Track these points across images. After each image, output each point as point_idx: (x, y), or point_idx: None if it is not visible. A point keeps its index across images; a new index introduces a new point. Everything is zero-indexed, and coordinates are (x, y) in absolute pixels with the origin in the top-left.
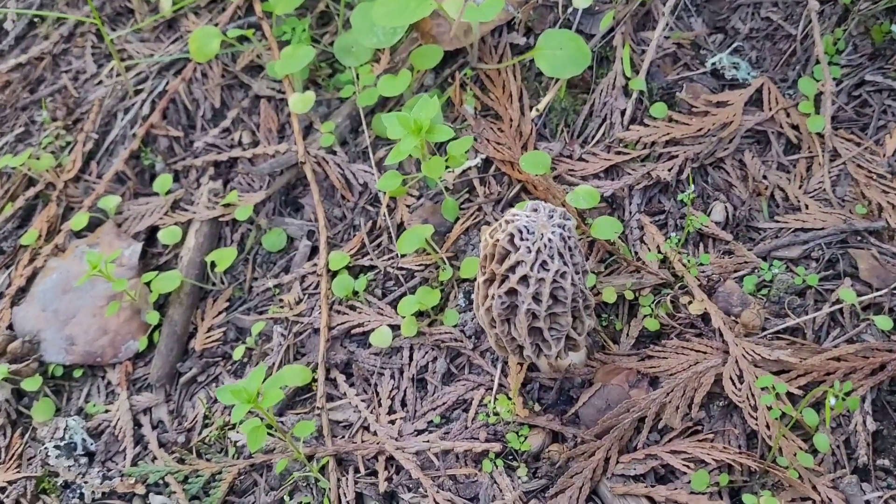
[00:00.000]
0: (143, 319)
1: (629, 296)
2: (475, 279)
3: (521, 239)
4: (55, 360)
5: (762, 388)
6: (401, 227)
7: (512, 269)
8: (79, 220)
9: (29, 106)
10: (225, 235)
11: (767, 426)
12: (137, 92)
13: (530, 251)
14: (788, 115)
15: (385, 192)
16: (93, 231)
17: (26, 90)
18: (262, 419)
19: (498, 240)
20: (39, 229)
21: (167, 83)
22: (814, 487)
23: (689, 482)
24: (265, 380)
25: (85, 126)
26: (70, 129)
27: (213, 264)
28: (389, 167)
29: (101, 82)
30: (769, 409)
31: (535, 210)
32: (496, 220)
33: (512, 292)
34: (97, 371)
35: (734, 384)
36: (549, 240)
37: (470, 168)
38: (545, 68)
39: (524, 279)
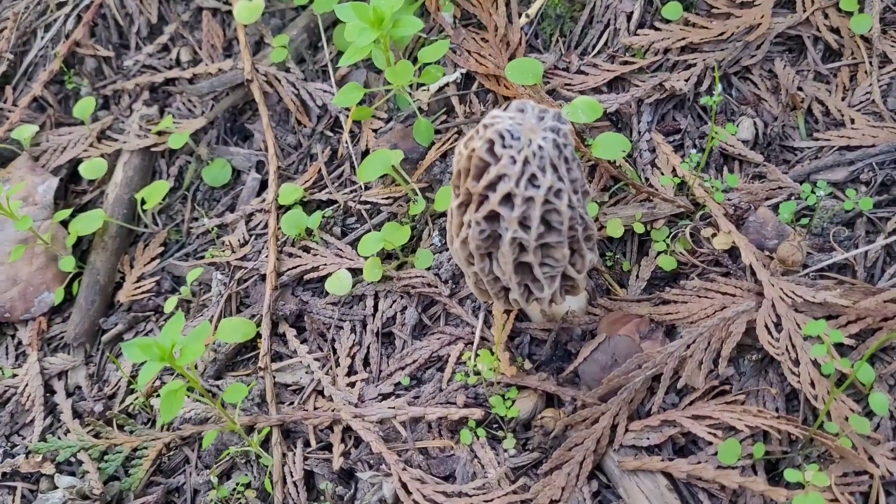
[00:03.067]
0: (60, 267)
1: (639, 229)
2: None
3: (504, 146)
4: None
5: (808, 338)
6: (366, 156)
7: (492, 185)
8: None
9: None
10: (160, 169)
11: (812, 384)
12: (60, 5)
13: (515, 162)
14: (826, 17)
15: (348, 115)
16: (5, 166)
17: None
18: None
19: (474, 149)
20: None
21: None
22: (870, 458)
23: (716, 454)
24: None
25: None
26: None
27: (143, 202)
28: (347, 79)
29: None
30: (816, 363)
31: (522, 111)
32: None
33: (493, 217)
34: (5, 329)
35: (770, 333)
36: (539, 147)
37: (448, 85)
38: None
39: (507, 198)
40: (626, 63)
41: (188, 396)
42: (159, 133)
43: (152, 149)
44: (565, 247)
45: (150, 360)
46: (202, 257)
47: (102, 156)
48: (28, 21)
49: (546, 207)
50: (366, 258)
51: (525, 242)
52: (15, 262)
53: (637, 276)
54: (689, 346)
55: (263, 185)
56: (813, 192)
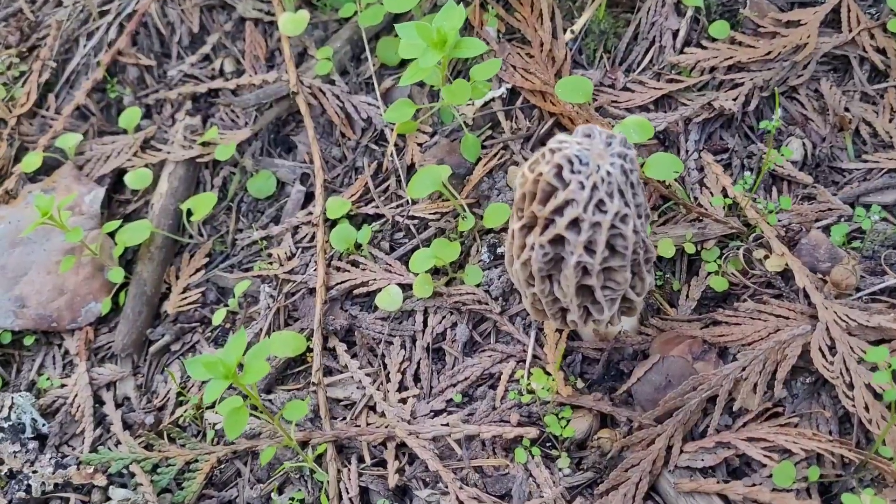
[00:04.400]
0: (107, 277)
1: (689, 249)
2: (501, 229)
3: (572, 172)
4: (2, 324)
5: (862, 361)
6: (411, 170)
7: (559, 210)
8: (31, 160)
9: None
10: (204, 179)
11: (866, 407)
12: (102, 13)
13: (584, 187)
14: (873, 37)
15: (393, 128)
16: (49, 174)
17: None
18: (244, 398)
19: (542, 174)
20: None
21: (136, 3)
22: None
23: (771, 476)
24: (248, 349)
25: (42, 53)
26: (25, 58)
27: (188, 213)
28: (399, 94)
29: (60, 3)
30: (870, 387)
31: (589, 136)
32: (525, 159)
33: (558, 241)
34: (52, 338)
35: (824, 356)
36: (608, 173)
37: (493, 100)
38: None
39: (575, 223)
40: (672, 81)
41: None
42: (204, 144)
43: (197, 160)
44: (628, 270)
45: (214, 378)
46: (247, 269)
47: (147, 165)
48: (70, 29)
49: (612, 232)
50: (416, 274)
51: (589, 266)
52: (63, 272)
53: (687, 296)
54: (744, 369)
55: (308, 198)
56: (867, 215)
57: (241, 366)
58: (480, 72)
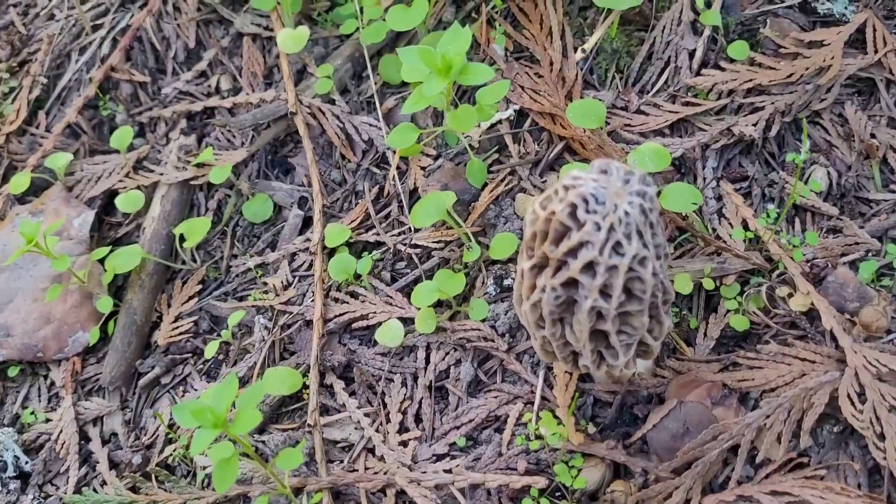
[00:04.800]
0: (97, 307)
1: (708, 285)
2: (508, 260)
3: (588, 211)
4: None
5: (893, 410)
6: (414, 195)
7: (573, 252)
8: (19, 181)
9: None
10: (198, 202)
11: None
12: (96, 28)
13: (599, 228)
14: None
15: (395, 151)
16: (38, 195)
17: None
18: (234, 443)
19: (554, 212)
20: None
21: (131, 17)
22: None
23: None
24: (243, 386)
25: (32, 69)
26: (14, 73)
27: (181, 238)
28: (402, 119)
29: (52, 16)
30: None
31: (605, 172)
32: (533, 186)
33: (571, 283)
34: (38, 369)
35: (853, 404)
36: (626, 213)
37: (500, 122)
38: None
39: (590, 266)
40: (689, 104)
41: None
42: (198, 165)
43: (191, 182)
44: (645, 315)
45: (203, 427)
46: (242, 297)
47: (139, 187)
48: (62, 44)
49: (629, 275)
50: (418, 308)
51: (604, 311)
52: (49, 300)
53: (705, 335)
54: (767, 417)
55: (306, 222)
56: None
57: (230, 413)
58: (487, 95)
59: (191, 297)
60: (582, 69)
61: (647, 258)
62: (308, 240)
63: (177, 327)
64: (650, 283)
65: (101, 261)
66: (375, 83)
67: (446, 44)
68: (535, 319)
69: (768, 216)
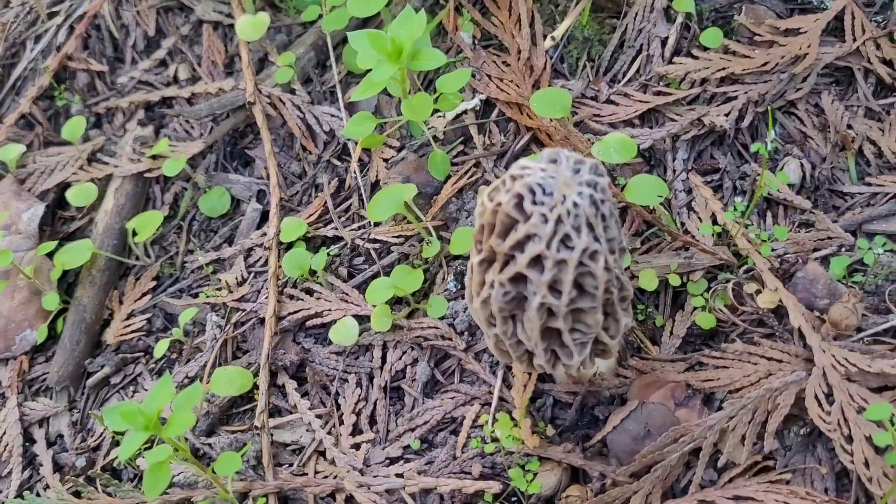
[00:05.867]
0: (43, 305)
1: (674, 281)
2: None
3: (534, 203)
4: None
5: (862, 411)
6: (376, 188)
7: (520, 245)
8: None
9: None
10: (154, 196)
11: (866, 464)
12: (51, 15)
13: (547, 220)
14: (879, 48)
15: (357, 143)
16: None
17: None
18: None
19: (500, 203)
20: None
21: (88, 3)
22: None
23: None
24: (190, 384)
25: None
26: None
27: (134, 232)
28: (366, 108)
29: (7, 3)
30: (870, 440)
31: (555, 161)
32: (498, 177)
33: (519, 279)
34: None
35: (821, 406)
36: (575, 204)
37: (466, 112)
38: None
39: (537, 260)
40: (660, 94)
41: (176, 459)
42: (154, 157)
43: (146, 174)
44: (599, 312)
45: (134, 430)
46: (196, 294)
47: (93, 180)
48: (17, 32)
49: (580, 270)
50: (374, 305)
51: (555, 308)
52: None
53: (671, 333)
54: (731, 418)
55: (264, 217)
56: (869, 247)
57: (160, 416)
58: (448, 83)
59: (144, 294)
60: (552, 57)
61: (599, 252)
62: (265, 234)
63: (129, 325)
64: (602, 279)
65: (51, 255)
66: (338, 73)
67: (397, 28)
68: (486, 317)
69: (736, 209)
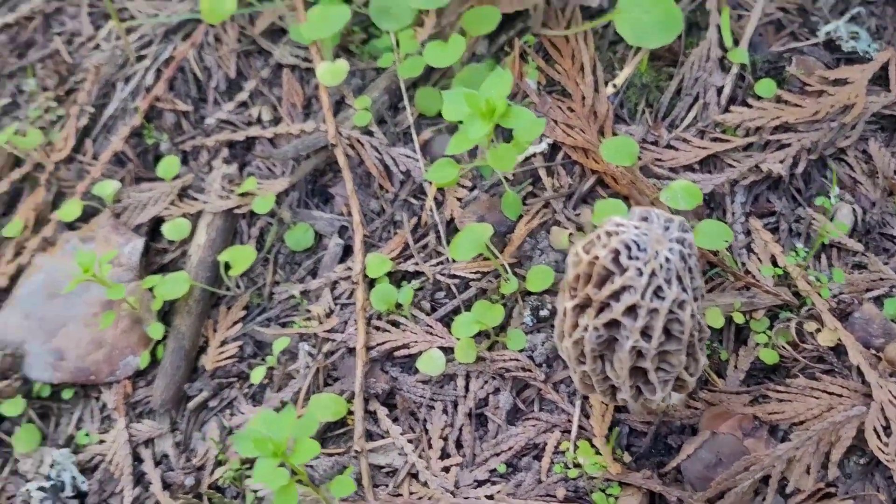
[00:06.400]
0: (145, 330)
1: (738, 319)
2: (544, 292)
3: (630, 258)
4: (41, 377)
5: None
6: (450, 225)
7: (616, 295)
8: (70, 208)
9: (16, 73)
10: (241, 230)
11: None
12: (140, 58)
13: (641, 274)
14: None
15: (432, 183)
16: (87, 221)
17: (13, 55)
18: (292, 471)
19: (598, 257)
20: (25, 218)
21: (174, 48)
22: None
23: None
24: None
25: (79, 97)
26: (62, 101)
27: (227, 265)
28: (439, 150)
29: (98, 46)
30: None
31: (646, 219)
32: (567, 219)
33: (613, 324)
34: (90, 392)
35: (879, 437)
36: (667, 259)
37: (534, 155)
38: (628, 35)
39: (632, 310)
40: (717, 140)
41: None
42: (242, 194)
43: (235, 210)
44: (683, 353)
45: (264, 457)
46: (284, 323)
47: (184, 215)
48: (108, 73)
49: (669, 318)
50: (458, 339)
51: (644, 350)
52: (103, 328)
53: (735, 367)
54: (797, 449)
55: (346, 251)
56: None
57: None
58: (524, 133)
59: (235, 323)
60: (613, 103)
61: (686, 301)
62: (349, 268)
63: (223, 352)
64: (689, 325)
65: (150, 288)
66: (412, 115)
67: (489, 87)
68: (576, 355)
69: (797, 254)
